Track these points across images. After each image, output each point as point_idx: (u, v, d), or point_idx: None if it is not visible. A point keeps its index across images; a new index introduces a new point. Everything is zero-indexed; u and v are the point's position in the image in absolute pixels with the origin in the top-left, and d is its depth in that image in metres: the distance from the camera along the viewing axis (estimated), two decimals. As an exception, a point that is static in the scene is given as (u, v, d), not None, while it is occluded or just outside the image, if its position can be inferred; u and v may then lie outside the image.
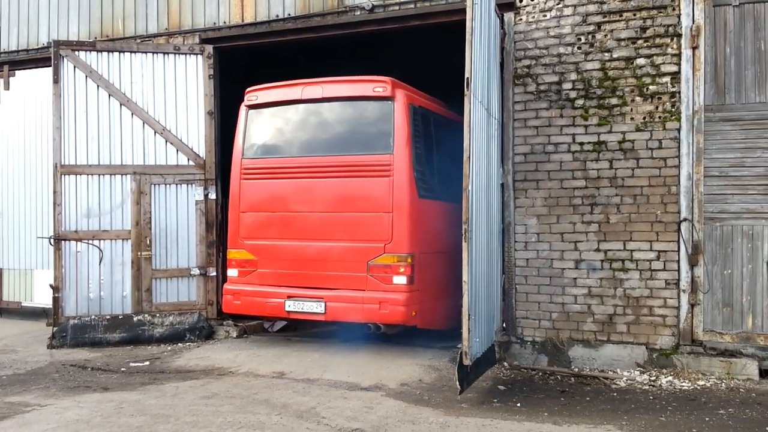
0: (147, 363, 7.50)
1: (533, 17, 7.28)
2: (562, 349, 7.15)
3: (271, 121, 8.02)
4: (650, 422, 5.38)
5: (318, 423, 5.31)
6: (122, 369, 7.22)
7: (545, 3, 7.23)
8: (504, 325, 7.41)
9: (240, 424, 5.25)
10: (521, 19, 7.32)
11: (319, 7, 8.31)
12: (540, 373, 7.00)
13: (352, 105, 7.61)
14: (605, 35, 7.01)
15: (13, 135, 10.29)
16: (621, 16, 6.94)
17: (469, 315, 5.82)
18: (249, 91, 8.05)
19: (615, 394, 6.25)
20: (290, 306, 7.53)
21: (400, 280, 7.23)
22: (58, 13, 9.82)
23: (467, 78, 5.78)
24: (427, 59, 9.84)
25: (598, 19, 7.03)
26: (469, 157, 5.80)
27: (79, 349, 8.18)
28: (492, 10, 6.82)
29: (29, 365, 7.42)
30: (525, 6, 7.32)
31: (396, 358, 7.49)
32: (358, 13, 8.12)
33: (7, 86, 10.26)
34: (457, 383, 5.95)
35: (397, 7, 7.95)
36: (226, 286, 8.08)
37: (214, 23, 8.90)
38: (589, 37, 7.07)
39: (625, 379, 6.66)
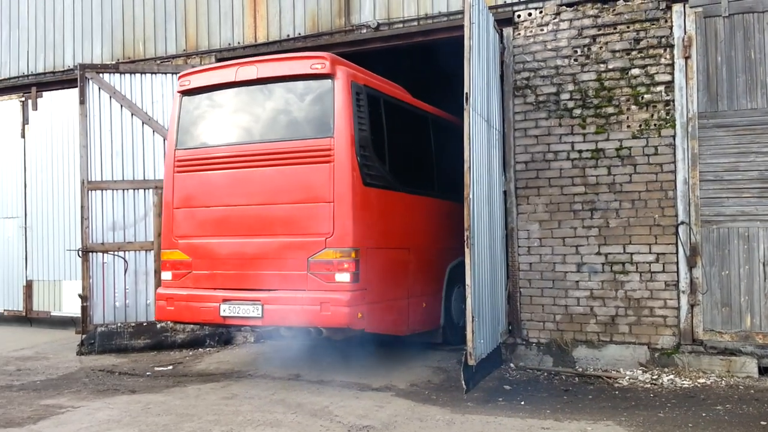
0: (170, 367, 7.90)
1: (531, 32, 7.59)
2: (567, 350, 7.42)
3: (205, 106, 7.34)
4: (648, 418, 5.64)
5: (331, 421, 5.65)
6: (147, 373, 7.63)
7: (542, 18, 7.54)
8: (510, 327, 7.70)
9: (258, 422, 5.61)
10: (519, 34, 7.64)
11: (327, 27, 8.71)
12: (545, 374, 7.27)
13: (290, 85, 6.93)
14: (600, 47, 7.30)
15: (41, 152, 10.80)
16: (615, 28, 7.23)
17: (473, 317, 6.15)
18: (182, 76, 7.43)
19: (617, 392, 6.51)
20: (225, 310, 6.78)
21: (343, 277, 6.45)
22: (82, 37, 10.33)
23: (466, 93, 6.12)
24: (433, 69, 10.13)
25: (593, 32, 7.33)
26: (470, 168, 6.14)
27: (107, 355, 8.61)
28: (491, 27, 7.15)
29: (60, 371, 7.85)
30: (523, 21, 7.64)
31: (406, 360, 7.80)
32: (365, 31, 8.50)
33: (35, 107, 10.78)
34: (463, 383, 6.29)
35: (401, 25, 8.31)
36: (159, 290, 7.34)
37: (229, 44, 9.33)
38: (585, 49, 7.37)
39: (627, 378, 6.91)
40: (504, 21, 7.69)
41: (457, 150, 8.14)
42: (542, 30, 7.57)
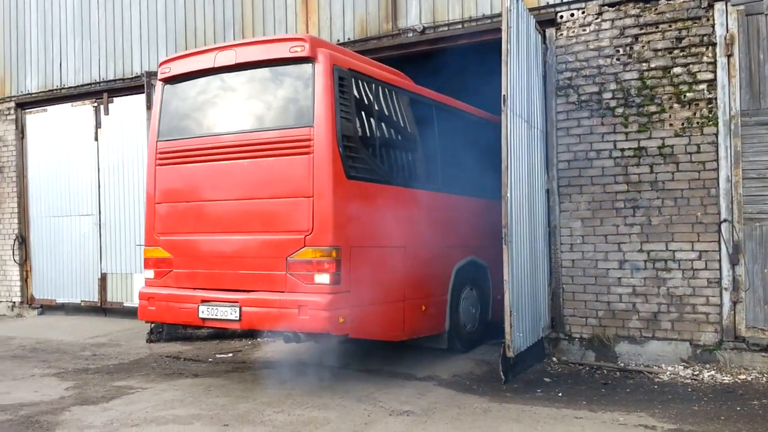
0: (231, 355, 8.44)
1: (573, 32, 7.75)
2: (609, 346, 7.56)
3: (186, 95, 6.97)
4: (682, 410, 5.78)
5: (374, 405, 6.02)
6: (210, 359, 8.18)
7: (584, 18, 7.69)
8: (553, 322, 7.89)
9: (307, 404, 6.03)
10: (562, 34, 7.80)
11: (375, 31, 9.06)
12: (587, 368, 7.44)
13: (269, 71, 6.53)
14: (642, 46, 7.40)
15: (113, 154, 11.55)
16: (657, 27, 7.32)
17: (510, 311, 6.41)
18: (163, 63, 7.13)
19: (656, 387, 6.64)
20: (204, 312, 6.46)
21: (323, 278, 6.02)
22: (148, 46, 11.01)
23: (504, 95, 6.37)
24: (479, 70, 10.30)
25: (635, 31, 7.43)
26: (507, 167, 6.38)
27: (173, 343, 9.24)
28: (532, 29, 7.35)
29: (131, 356, 8.50)
30: (565, 22, 7.80)
31: (452, 353, 8.06)
32: (411, 34, 8.81)
33: (107, 111, 11.54)
34: (501, 374, 6.57)
35: (446, 28, 8.58)
36: (141, 289, 7.07)
37: (285, 49, 9.78)
38: (627, 48, 7.48)
39: (668, 373, 7.02)
40: (546, 22, 7.87)
41: (472, 142, 8.08)
42: (584, 30, 7.71)
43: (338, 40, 9.28)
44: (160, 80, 7.09)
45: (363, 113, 6.61)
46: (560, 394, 6.41)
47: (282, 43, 6.43)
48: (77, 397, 6.51)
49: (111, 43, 11.43)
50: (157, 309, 6.87)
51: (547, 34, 7.87)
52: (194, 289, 6.65)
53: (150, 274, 7.00)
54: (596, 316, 7.65)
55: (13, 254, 12.42)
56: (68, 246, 12.03)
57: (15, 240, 12.40)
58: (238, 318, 6.29)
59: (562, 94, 7.83)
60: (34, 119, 12.38)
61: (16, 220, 12.42)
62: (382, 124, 6.88)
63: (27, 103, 12.39)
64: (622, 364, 7.39)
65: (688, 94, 7.20)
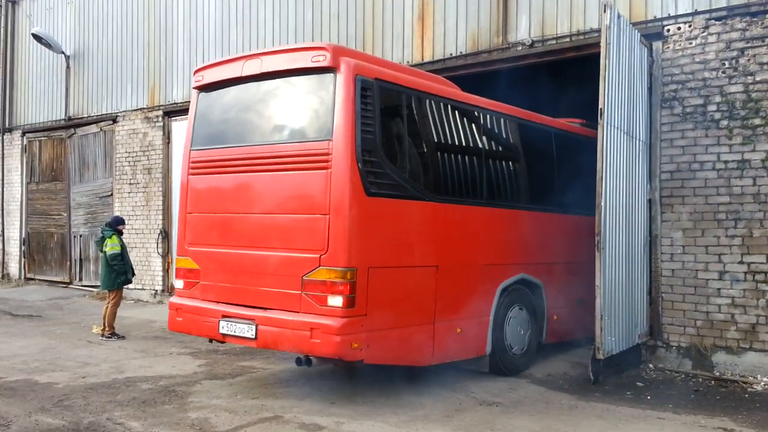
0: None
1: (680, 45, 7.87)
2: (706, 355, 7.62)
3: (217, 103, 6.82)
4: (766, 417, 5.88)
5: (467, 395, 6.55)
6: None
7: (691, 32, 7.79)
8: (651, 330, 8.03)
9: (405, 390, 6.65)
10: (668, 47, 7.94)
11: (485, 45, 9.54)
12: (682, 376, 7.55)
13: (292, 80, 6.28)
14: (748, 60, 7.42)
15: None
16: (763, 41, 7.31)
17: (601, 316, 6.71)
18: (197, 71, 6.99)
19: (747, 396, 6.71)
20: (224, 327, 6.32)
21: (336, 301, 5.69)
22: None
23: (601, 108, 6.68)
24: (581, 80, 10.44)
25: (741, 45, 7.46)
26: (602, 178, 6.69)
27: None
28: (636, 42, 7.57)
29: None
30: (672, 35, 7.93)
31: (548, 354, 8.36)
32: (520, 48, 9.20)
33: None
34: (591, 374, 6.89)
35: (554, 42, 8.92)
36: (171, 299, 7.03)
37: (399, 62, 10.47)
38: (733, 62, 7.51)
39: (762, 384, 7.03)
40: (653, 35, 8.03)
41: (529, 151, 7.86)
42: (690, 43, 7.81)
43: (450, 53, 9.85)
44: (195, 88, 7.01)
45: (390, 125, 6.30)
46: (649, 398, 6.63)
47: (304, 52, 6.19)
48: (208, 372, 7.49)
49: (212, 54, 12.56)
50: (183, 320, 6.81)
51: (654, 47, 8.03)
52: (217, 302, 6.54)
53: (180, 284, 6.95)
54: (694, 326, 7.73)
55: (158, 247, 13.93)
56: (204, 240, 13.30)
57: (159, 234, 13.92)
58: (254, 336, 6.12)
59: (666, 105, 7.96)
60: (178, 126, 13.82)
61: (161, 217, 13.93)
62: (414, 136, 6.51)
63: (173, 112, 13.88)
64: (718, 374, 7.43)
65: (795, 108, 7.16)
